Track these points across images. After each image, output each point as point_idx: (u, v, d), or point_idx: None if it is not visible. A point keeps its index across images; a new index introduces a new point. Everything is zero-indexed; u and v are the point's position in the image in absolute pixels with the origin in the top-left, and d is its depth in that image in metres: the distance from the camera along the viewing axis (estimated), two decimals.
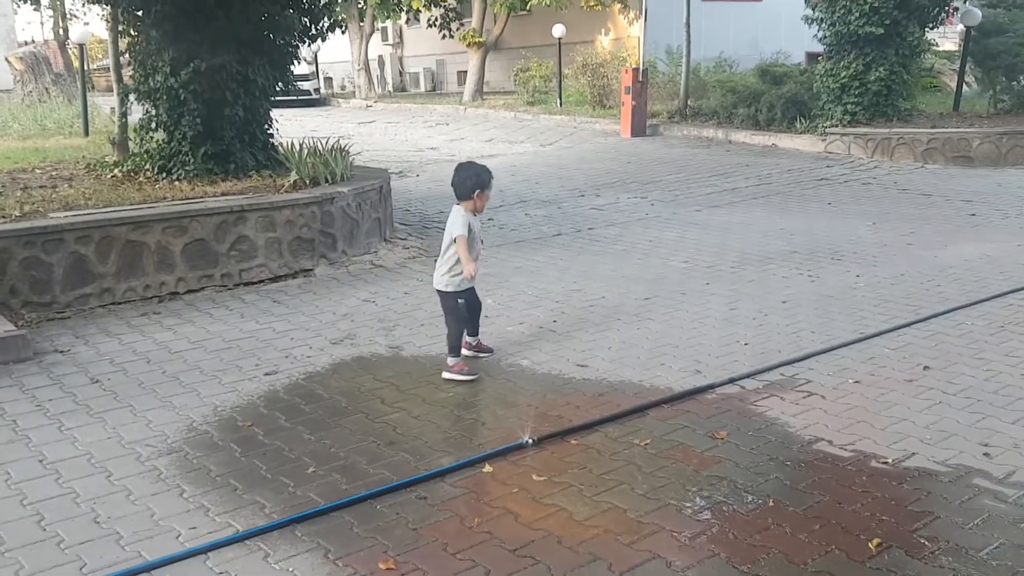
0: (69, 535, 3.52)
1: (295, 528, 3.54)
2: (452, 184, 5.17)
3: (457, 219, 5.08)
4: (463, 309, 5.23)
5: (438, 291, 5.25)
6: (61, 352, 5.64)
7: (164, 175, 8.43)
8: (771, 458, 4.04)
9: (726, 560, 3.23)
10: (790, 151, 14.74)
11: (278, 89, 9.18)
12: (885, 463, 3.97)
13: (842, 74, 14.37)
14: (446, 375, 5.12)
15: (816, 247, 8.30)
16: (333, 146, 8.96)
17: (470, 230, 5.08)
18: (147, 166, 8.64)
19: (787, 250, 8.22)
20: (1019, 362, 5.19)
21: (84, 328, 6.12)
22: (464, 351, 5.33)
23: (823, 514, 3.54)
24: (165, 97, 8.15)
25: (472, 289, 5.28)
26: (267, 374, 5.26)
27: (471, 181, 5.08)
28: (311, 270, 7.65)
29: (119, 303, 6.62)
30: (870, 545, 3.30)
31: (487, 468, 4.01)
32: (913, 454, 4.06)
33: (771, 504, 3.62)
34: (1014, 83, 15.17)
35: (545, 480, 3.88)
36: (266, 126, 9.22)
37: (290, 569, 3.26)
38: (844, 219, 9.63)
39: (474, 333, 5.46)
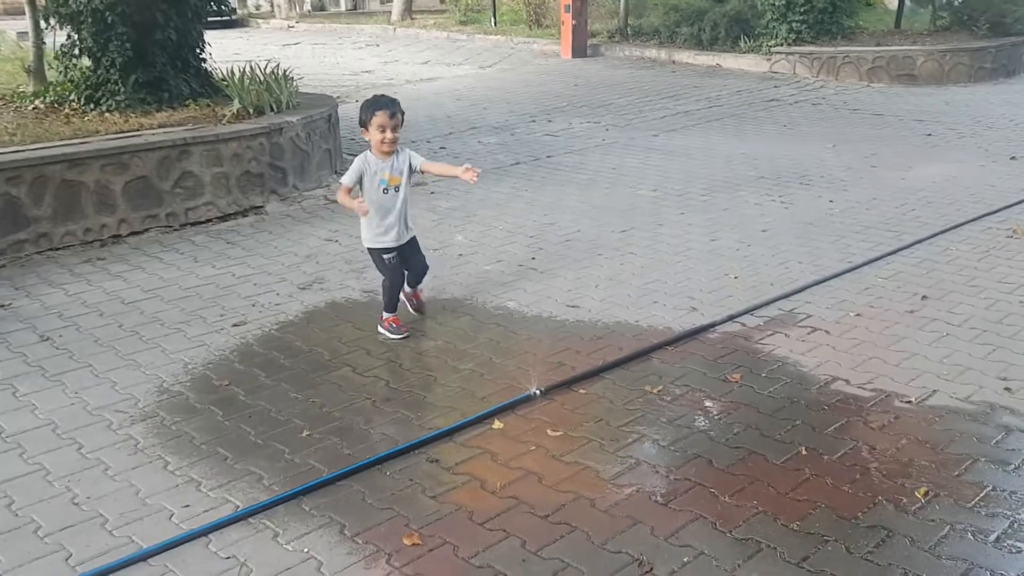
0: (47, 521, 3.14)
1: (301, 501, 3.23)
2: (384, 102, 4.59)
3: (352, 165, 4.60)
4: (394, 266, 4.67)
5: (412, 238, 4.80)
6: (2, 307, 5.13)
7: (92, 106, 7.73)
8: (792, 401, 3.87)
9: (773, 518, 3.04)
10: (735, 71, 14.51)
11: (211, 9, 8.50)
12: (908, 402, 3.84)
13: None
14: (379, 330, 4.69)
15: (782, 172, 8.13)
16: (273, 71, 8.37)
17: (357, 175, 4.53)
18: (72, 96, 7.91)
19: (754, 175, 8.03)
20: (1014, 288, 5.11)
21: (23, 278, 5.59)
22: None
23: (859, 461, 3.38)
24: (90, 20, 7.42)
25: (411, 245, 4.74)
26: (235, 325, 4.87)
27: (360, 119, 4.56)
28: (262, 207, 7.17)
29: (58, 248, 6.07)
30: (917, 494, 3.15)
31: (497, 424, 3.74)
32: (934, 391, 3.93)
33: (803, 453, 3.44)
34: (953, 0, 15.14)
35: (562, 435, 3.63)
36: (199, 50, 8.54)
37: (305, 550, 2.96)
38: (802, 142, 9.49)
39: (412, 284, 4.91)
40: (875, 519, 3.02)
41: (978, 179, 7.70)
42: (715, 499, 3.15)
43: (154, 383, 4.19)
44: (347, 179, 4.57)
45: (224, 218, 6.89)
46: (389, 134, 4.48)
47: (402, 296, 4.85)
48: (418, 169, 4.66)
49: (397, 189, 4.58)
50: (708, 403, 3.87)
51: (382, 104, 4.49)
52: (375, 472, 3.40)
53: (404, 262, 4.74)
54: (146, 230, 6.49)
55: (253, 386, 4.15)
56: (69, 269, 5.75)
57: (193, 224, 6.72)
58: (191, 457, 3.54)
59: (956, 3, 14.71)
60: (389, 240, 4.63)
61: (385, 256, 4.65)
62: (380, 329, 4.69)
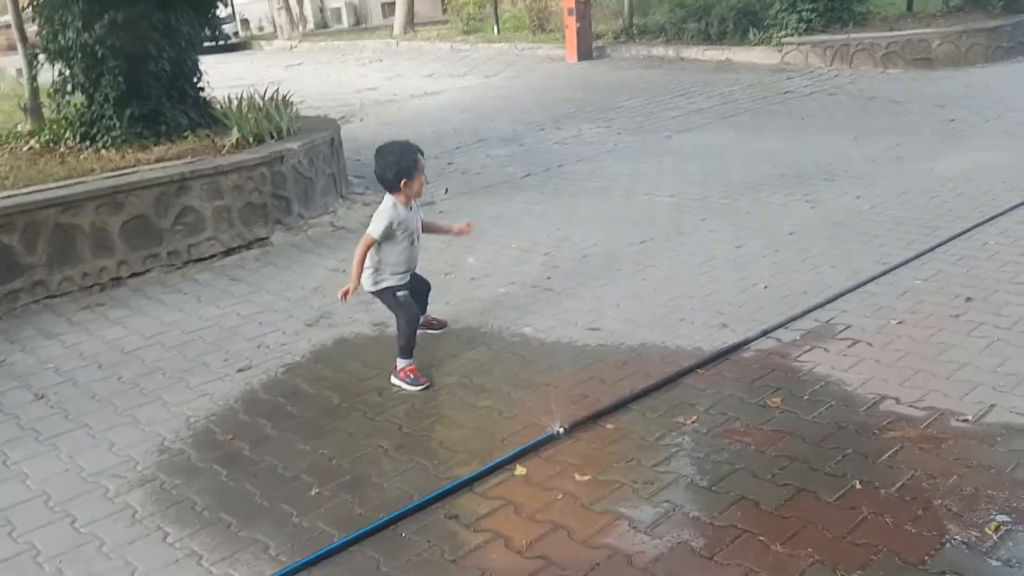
0: None
1: (311, 572, 2.96)
2: (375, 173, 4.27)
3: (379, 212, 4.22)
4: (410, 302, 4.37)
5: (370, 293, 4.42)
6: None
7: (88, 143, 7.52)
8: (839, 426, 3.56)
9: (832, 569, 2.74)
10: (746, 65, 14.17)
11: (204, 36, 8.28)
12: (965, 421, 3.52)
13: None
14: (394, 380, 4.27)
15: (804, 168, 7.81)
16: (272, 96, 8.14)
17: (390, 229, 4.18)
18: (67, 134, 7.71)
19: (775, 174, 7.72)
20: None
21: (18, 331, 5.36)
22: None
23: (919, 494, 3.07)
24: (80, 55, 7.22)
25: (412, 273, 4.45)
26: (240, 370, 4.61)
27: (393, 171, 4.14)
28: (266, 239, 6.92)
29: (55, 296, 5.84)
30: (988, 530, 2.84)
31: (519, 470, 3.46)
32: (991, 406, 3.61)
33: (858, 487, 3.14)
34: None
35: (590, 480, 3.35)
36: (195, 79, 8.32)
37: None
38: (822, 135, 9.15)
39: (422, 311, 4.65)
40: (944, 563, 2.72)
41: (1009, 165, 7.35)
42: (766, 549, 2.85)
43: (154, 441, 3.94)
44: (377, 230, 4.17)
45: (228, 252, 6.65)
46: (421, 184, 4.28)
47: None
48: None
49: (418, 238, 4.39)
50: (748, 434, 3.57)
51: (415, 149, 4.22)
52: (390, 534, 3.13)
53: (414, 295, 4.48)
54: (148, 270, 6.26)
55: (258, 438, 3.88)
56: (67, 318, 5.52)
57: (197, 261, 6.48)
58: (192, 526, 3.28)
59: None
60: (401, 274, 4.39)
61: (399, 293, 4.34)
62: (395, 380, 4.28)
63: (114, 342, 5.10)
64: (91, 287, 5.98)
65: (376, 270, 4.34)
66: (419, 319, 4.47)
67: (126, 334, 5.21)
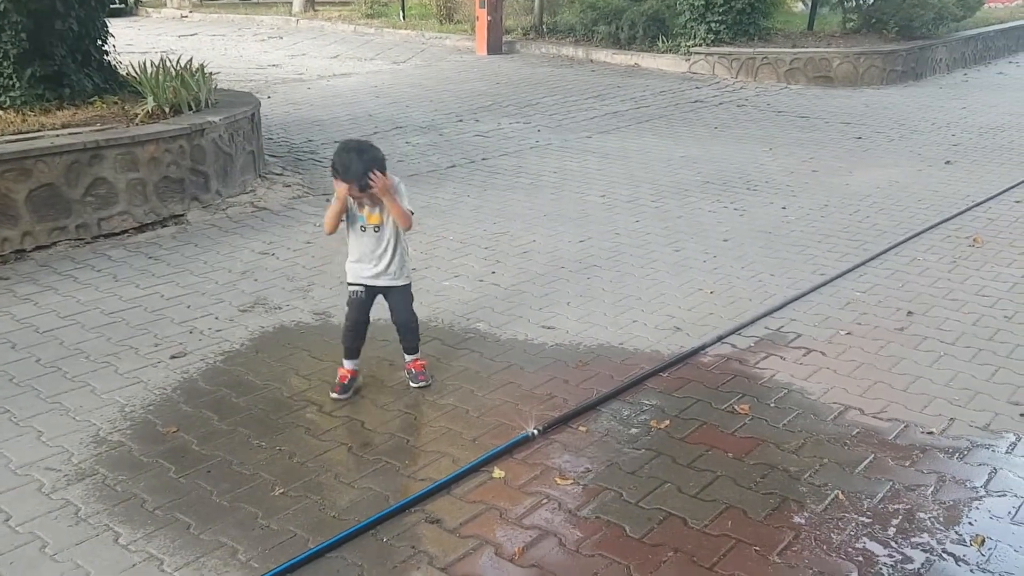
0: None
1: None
2: (361, 163, 3.65)
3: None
4: (355, 305, 3.94)
5: (396, 287, 3.95)
6: None
7: None
8: (810, 435, 3.58)
9: None
10: (654, 71, 14.39)
11: None
12: (930, 433, 3.60)
13: None
14: (420, 383, 3.99)
15: (726, 176, 7.94)
16: (186, 65, 7.68)
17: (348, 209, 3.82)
18: None
19: (699, 180, 7.82)
20: (994, 302, 4.99)
21: None
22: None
23: (900, 507, 3.11)
24: None
25: (397, 294, 4.00)
26: (173, 357, 4.29)
27: (380, 164, 3.69)
28: (182, 216, 6.53)
29: None
30: (974, 544, 2.89)
31: (497, 472, 3.33)
32: (952, 420, 3.71)
33: (841, 497, 3.15)
34: (861, 2, 15.39)
35: (572, 484, 3.25)
36: (101, 42, 7.79)
37: None
38: (737, 144, 9.35)
39: (404, 346, 4.11)
40: None
41: (920, 184, 7.68)
42: (764, 560, 2.82)
43: (88, 432, 3.60)
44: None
45: (141, 229, 6.23)
46: (359, 201, 3.77)
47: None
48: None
49: (377, 229, 3.82)
50: (723, 440, 3.55)
51: (350, 173, 3.64)
52: (369, 538, 2.94)
53: (391, 312, 4.05)
54: (54, 243, 5.79)
55: (206, 432, 3.61)
56: None
57: (107, 236, 6.04)
58: (146, 526, 3.00)
59: (865, 7, 14.94)
60: (364, 274, 3.89)
61: (351, 288, 3.94)
62: (420, 382, 4.03)
63: (26, 320, 4.67)
64: None
65: (404, 260, 3.95)
66: (357, 326, 3.97)
67: (38, 312, 4.79)
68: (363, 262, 3.88)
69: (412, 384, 4.02)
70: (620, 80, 13.50)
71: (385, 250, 3.85)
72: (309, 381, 4.07)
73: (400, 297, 3.97)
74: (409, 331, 4.02)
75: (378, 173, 3.65)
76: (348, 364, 3.98)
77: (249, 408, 3.81)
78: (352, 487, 3.24)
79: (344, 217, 3.81)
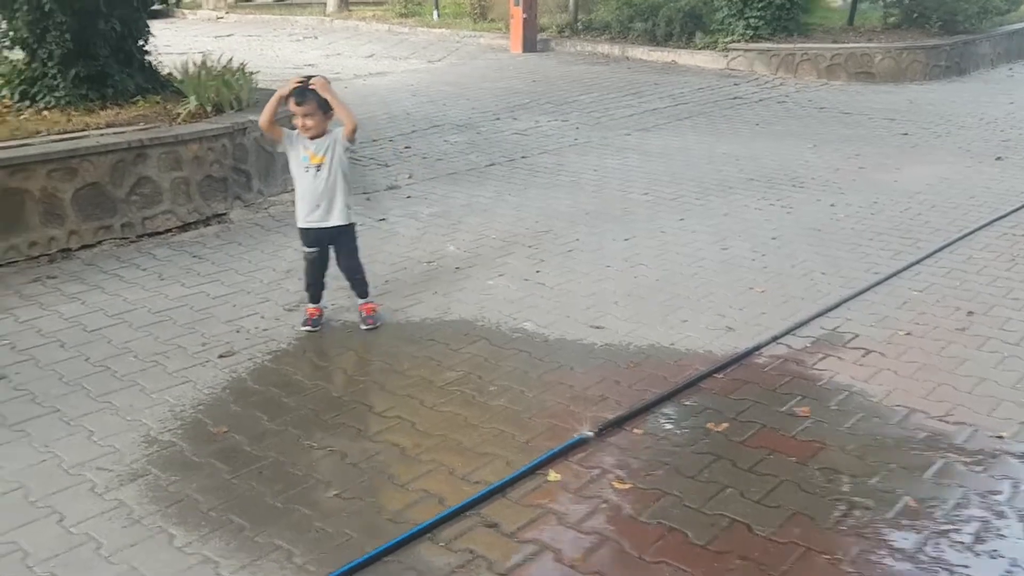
0: None
1: None
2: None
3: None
4: (311, 260, 4.59)
5: (341, 228, 4.49)
6: None
7: (27, 103, 6.96)
8: (875, 439, 3.47)
9: None
10: (692, 68, 14.23)
11: None
12: (1000, 438, 3.48)
13: None
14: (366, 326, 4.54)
15: (770, 173, 7.81)
16: (226, 65, 7.69)
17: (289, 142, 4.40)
18: (3, 92, 7.11)
19: (743, 177, 7.69)
20: None
21: None
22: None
23: (975, 514, 2.99)
24: (25, 7, 6.64)
25: (342, 236, 4.58)
26: (222, 356, 4.27)
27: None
28: (225, 215, 6.52)
29: (0, 265, 5.34)
30: None
31: (553, 475, 3.26)
32: (1022, 424, 3.58)
33: (912, 505, 3.04)
34: None
35: (631, 489, 3.17)
36: (142, 43, 7.82)
37: None
38: (780, 141, 9.20)
39: (355, 291, 4.75)
40: None
41: (971, 181, 7.50)
42: (835, 570, 2.72)
43: (139, 431, 3.58)
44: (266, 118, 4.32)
45: (185, 228, 6.23)
46: (301, 120, 4.27)
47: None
48: (345, 140, 4.36)
49: (319, 168, 4.29)
50: (785, 444, 3.45)
51: (293, 92, 4.24)
52: (426, 542, 2.88)
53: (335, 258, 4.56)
54: (99, 243, 5.80)
55: (257, 433, 3.57)
56: (17, 291, 5.04)
57: (151, 235, 6.05)
58: (200, 528, 2.96)
59: (907, 1, 14.66)
60: (311, 218, 4.41)
61: (306, 248, 4.50)
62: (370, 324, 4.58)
63: (74, 319, 4.67)
64: (39, 257, 5.51)
65: (347, 200, 4.46)
66: (314, 279, 4.58)
67: (86, 311, 4.79)
68: (307, 201, 4.36)
69: (362, 327, 4.52)
70: (657, 77, 13.36)
71: (328, 188, 4.33)
72: (357, 380, 4.02)
73: (345, 240, 4.48)
74: (355, 279, 4.55)
75: (315, 79, 4.19)
76: (313, 305, 4.57)
77: (299, 408, 3.77)
78: (406, 489, 3.18)
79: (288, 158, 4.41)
